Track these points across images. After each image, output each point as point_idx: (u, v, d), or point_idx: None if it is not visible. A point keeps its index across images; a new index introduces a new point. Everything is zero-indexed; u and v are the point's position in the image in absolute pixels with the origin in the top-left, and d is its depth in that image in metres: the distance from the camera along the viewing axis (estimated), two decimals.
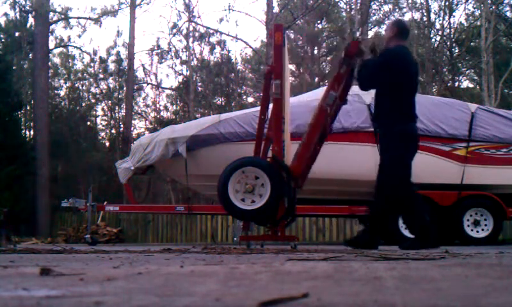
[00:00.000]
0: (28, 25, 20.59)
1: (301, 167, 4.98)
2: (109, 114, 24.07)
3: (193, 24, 20.82)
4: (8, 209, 10.70)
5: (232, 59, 22.41)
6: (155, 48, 22.56)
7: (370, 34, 20.74)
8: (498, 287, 1.38)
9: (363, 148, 7.51)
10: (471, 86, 23.48)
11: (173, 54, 22.22)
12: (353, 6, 18.97)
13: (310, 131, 5.02)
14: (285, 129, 5.09)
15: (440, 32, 19.55)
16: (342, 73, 4.93)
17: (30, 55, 20.92)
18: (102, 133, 25.74)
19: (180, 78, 23.04)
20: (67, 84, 24.91)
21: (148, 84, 23.75)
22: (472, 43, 19.68)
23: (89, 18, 20.73)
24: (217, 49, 21.94)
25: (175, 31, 21.30)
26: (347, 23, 18.52)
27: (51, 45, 20.13)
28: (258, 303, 1.06)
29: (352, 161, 7.44)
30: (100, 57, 22.90)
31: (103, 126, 25.50)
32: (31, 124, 20.52)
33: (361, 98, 7.76)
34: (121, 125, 21.83)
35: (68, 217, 15.07)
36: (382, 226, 4.95)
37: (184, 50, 21.81)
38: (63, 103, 24.72)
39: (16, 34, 21.12)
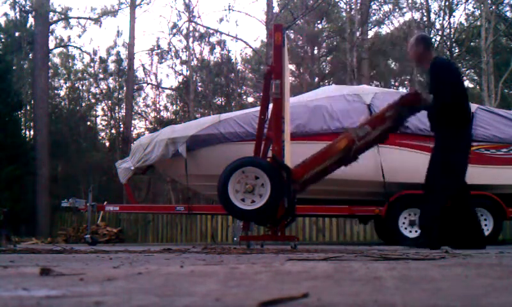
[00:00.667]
0: (28, 25, 20.59)
1: (302, 174, 4.94)
2: (109, 114, 24.08)
3: (193, 24, 20.83)
4: (8, 209, 10.70)
5: (232, 59, 22.43)
6: (155, 48, 22.59)
7: (370, 34, 20.77)
8: (498, 287, 1.38)
9: None
10: (471, 86, 23.48)
11: (173, 54, 22.24)
12: (353, 6, 18.97)
13: (326, 149, 4.92)
14: (285, 129, 5.09)
15: (440, 32, 19.54)
16: (386, 116, 4.77)
17: (30, 55, 20.92)
18: (102, 133, 25.77)
19: (180, 78, 23.06)
20: (67, 84, 24.92)
21: (148, 84, 23.77)
22: (472, 43, 19.68)
23: (89, 18, 20.74)
24: (217, 49, 21.96)
25: (175, 31, 21.32)
26: (347, 23, 18.51)
27: (51, 45, 20.15)
28: (258, 303, 1.06)
29: None
30: (100, 57, 22.93)
31: (103, 126, 25.52)
32: (31, 124, 20.52)
33: (361, 98, 7.76)
34: (121, 125, 21.83)
35: (68, 217, 15.06)
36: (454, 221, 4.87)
37: (184, 50, 21.82)
38: (63, 103, 24.72)
39: (16, 34, 21.12)
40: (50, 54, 20.16)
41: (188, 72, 21.16)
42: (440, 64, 4.89)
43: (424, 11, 19.79)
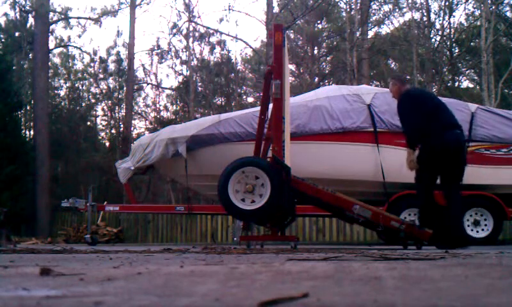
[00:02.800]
0: (28, 25, 20.57)
1: (304, 190, 5.31)
2: (109, 114, 24.06)
3: (193, 24, 20.81)
4: (8, 209, 10.70)
5: (232, 59, 22.40)
6: (155, 48, 22.55)
7: (370, 34, 20.76)
8: (498, 287, 1.38)
9: (363, 148, 7.51)
10: (471, 86, 23.48)
11: (173, 54, 22.21)
12: (353, 6, 18.96)
13: (332, 195, 5.40)
14: (285, 129, 5.09)
15: (440, 32, 19.54)
16: (391, 224, 5.21)
17: (30, 55, 20.91)
18: (102, 133, 25.74)
19: (180, 78, 23.04)
20: (67, 84, 24.89)
21: (148, 84, 23.74)
22: (471, 43, 19.66)
23: (89, 18, 20.73)
24: (217, 49, 21.94)
25: (175, 31, 21.30)
26: (347, 23, 18.51)
27: (51, 45, 20.12)
28: (258, 303, 1.06)
29: (352, 161, 7.44)
30: (100, 57, 22.90)
31: (103, 126, 25.50)
32: (31, 124, 20.50)
33: (361, 98, 7.76)
34: (121, 125, 21.81)
35: (68, 217, 15.06)
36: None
37: (184, 50, 21.80)
38: (63, 103, 24.69)
39: (16, 34, 21.09)
40: (50, 54, 20.14)
41: (188, 72, 21.15)
42: (403, 98, 5.51)
43: (424, 11, 19.78)
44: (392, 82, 5.84)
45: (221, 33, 21.39)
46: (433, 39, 19.60)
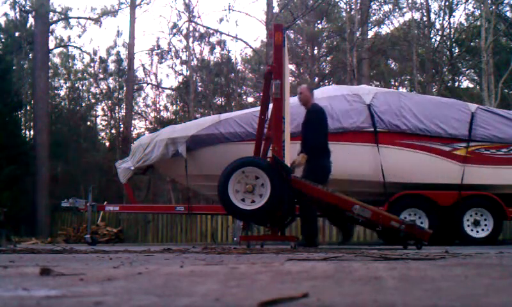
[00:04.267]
0: (28, 25, 20.56)
1: (301, 188, 5.44)
2: (109, 114, 24.05)
3: (193, 24, 20.80)
4: (8, 209, 10.70)
5: (232, 59, 22.38)
6: (155, 48, 22.53)
7: (370, 34, 20.76)
8: (498, 287, 1.38)
9: (363, 148, 7.51)
10: (471, 86, 23.45)
11: (173, 54, 22.19)
12: (353, 6, 18.96)
13: (331, 194, 5.48)
14: (285, 129, 5.09)
15: (440, 32, 19.54)
16: (391, 223, 5.29)
17: (30, 55, 20.90)
18: (102, 133, 25.73)
19: (180, 78, 23.02)
20: (67, 84, 24.88)
21: (148, 84, 23.73)
22: (471, 43, 19.66)
23: (89, 18, 20.71)
24: (217, 49, 21.92)
25: (175, 31, 21.28)
26: (347, 23, 18.51)
27: (51, 45, 20.10)
28: (258, 303, 1.06)
29: (352, 161, 7.44)
30: (100, 57, 22.87)
31: (103, 126, 25.49)
32: (31, 124, 20.49)
33: (361, 98, 7.76)
34: (121, 125, 21.81)
35: (68, 217, 15.05)
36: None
37: (184, 50, 21.79)
38: (63, 103, 24.69)
39: (16, 34, 21.09)
40: (50, 54, 20.12)
41: (188, 72, 21.14)
42: (316, 111, 6.06)
43: (424, 11, 19.79)
44: (307, 88, 6.42)
45: (221, 33, 21.40)
46: (433, 39, 19.60)
